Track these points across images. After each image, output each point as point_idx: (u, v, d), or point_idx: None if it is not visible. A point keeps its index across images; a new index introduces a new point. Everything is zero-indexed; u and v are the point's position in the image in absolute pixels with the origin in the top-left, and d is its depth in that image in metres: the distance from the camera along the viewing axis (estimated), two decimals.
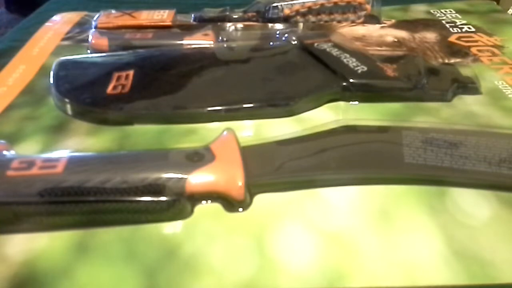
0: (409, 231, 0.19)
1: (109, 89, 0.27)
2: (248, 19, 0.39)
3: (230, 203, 0.20)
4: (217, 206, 0.20)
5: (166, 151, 0.22)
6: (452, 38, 0.35)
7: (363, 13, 0.38)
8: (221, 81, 0.29)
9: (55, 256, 0.18)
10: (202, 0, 0.47)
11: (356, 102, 0.28)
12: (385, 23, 0.38)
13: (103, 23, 0.37)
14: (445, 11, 0.41)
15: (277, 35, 0.36)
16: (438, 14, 0.40)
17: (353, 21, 0.38)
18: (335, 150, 0.23)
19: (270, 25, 0.37)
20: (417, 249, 0.19)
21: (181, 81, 0.28)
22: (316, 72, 0.29)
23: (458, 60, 0.32)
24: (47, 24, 0.39)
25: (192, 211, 0.20)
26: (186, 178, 0.20)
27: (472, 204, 0.20)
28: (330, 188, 0.21)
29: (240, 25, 0.37)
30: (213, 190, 0.20)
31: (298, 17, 0.38)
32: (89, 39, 0.34)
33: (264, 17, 0.38)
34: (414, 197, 0.21)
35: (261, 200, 0.21)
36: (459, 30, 0.37)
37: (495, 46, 0.34)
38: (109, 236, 0.19)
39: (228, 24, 0.37)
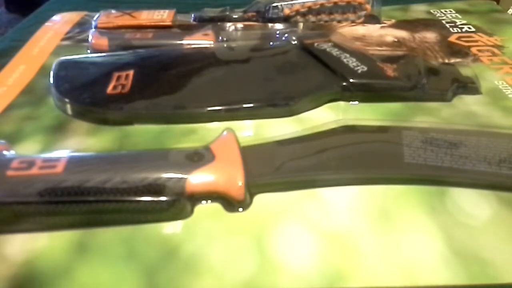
0: (409, 231, 0.19)
1: (109, 89, 0.27)
2: (248, 19, 0.39)
3: (230, 203, 0.20)
4: (217, 206, 0.20)
5: (166, 151, 0.22)
6: (452, 38, 0.35)
7: (363, 13, 0.38)
8: (221, 81, 0.29)
9: (55, 256, 0.18)
10: (202, 0, 0.47)
11: (356, 102, 0.28)
12: (385, 23, 0.38)
13: (103, 23, 0.37)
14: (445, 11, 0.41)
15: (277, 35, 0.35)
16: (438, 14, 0.40)
17: (353, 21, 0.38)
18: (335, 150, 0.23)
19: (270, 25, 0.37)
20: (417, 249, 0.19)
21: (181, 81, 0.28)
22: (316, 72, 0.29)
23: (458, 60, 0.32)
24: (47, 24, 0.39)
25: (192, 211, 0.20)
26: (186, 178, 0.20)
27: (472, 204, 0.20)
28: (330, 188, 0.21)
29: (240, 25, 0.37)
30: (213, 190, 0.20)
31: (298, 17, 0.38)
32: (89, 39, 0.34)
33: (264, 17, 0.38)
34: (414, 197, 0.21)
35: (261, 200, 0.21)
36: (459, 30, 0.37)
37: (495, 46, 0.34)
38: (109, 236, 0.19)
39: (228, 24, 0.37)
